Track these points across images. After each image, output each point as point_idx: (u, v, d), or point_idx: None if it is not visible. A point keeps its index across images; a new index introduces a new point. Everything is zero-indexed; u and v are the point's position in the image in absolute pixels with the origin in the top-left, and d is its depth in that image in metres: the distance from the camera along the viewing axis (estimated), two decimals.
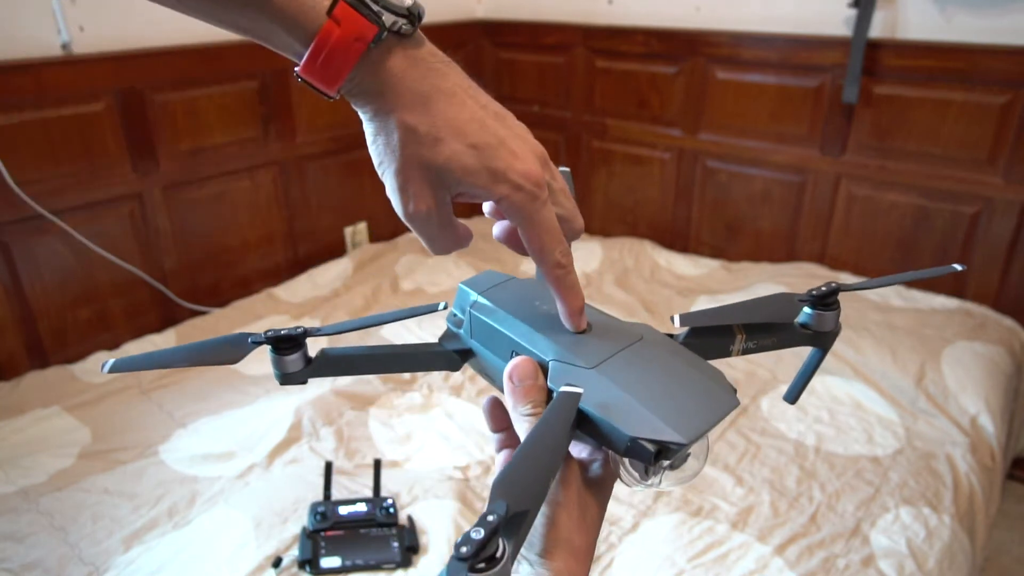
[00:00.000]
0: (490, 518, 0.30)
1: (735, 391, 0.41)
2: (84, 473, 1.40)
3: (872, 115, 1.97)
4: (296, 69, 0.38)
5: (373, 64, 0.38)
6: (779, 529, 1.26)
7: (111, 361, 0.41)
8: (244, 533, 1.23)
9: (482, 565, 0.29)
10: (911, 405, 1.60)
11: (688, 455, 0.40)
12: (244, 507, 1.28)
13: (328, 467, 1.38)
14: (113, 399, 1.63)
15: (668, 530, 1.25)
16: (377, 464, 1.39)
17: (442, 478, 1.37)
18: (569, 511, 0.38)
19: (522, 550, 0.37)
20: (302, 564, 1.17)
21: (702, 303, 2.06)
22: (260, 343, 0.42)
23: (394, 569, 1.18)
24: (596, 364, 0.41)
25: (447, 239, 0.43)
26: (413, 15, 0.38)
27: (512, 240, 0.44)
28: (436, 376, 1.69)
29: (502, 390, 0.44)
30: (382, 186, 0.41)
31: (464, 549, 0.29)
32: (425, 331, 1.85)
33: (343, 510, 1.27)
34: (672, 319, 0.46)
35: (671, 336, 0.47)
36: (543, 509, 0.38)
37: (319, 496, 1.32)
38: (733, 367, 1.72)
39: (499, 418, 0.47)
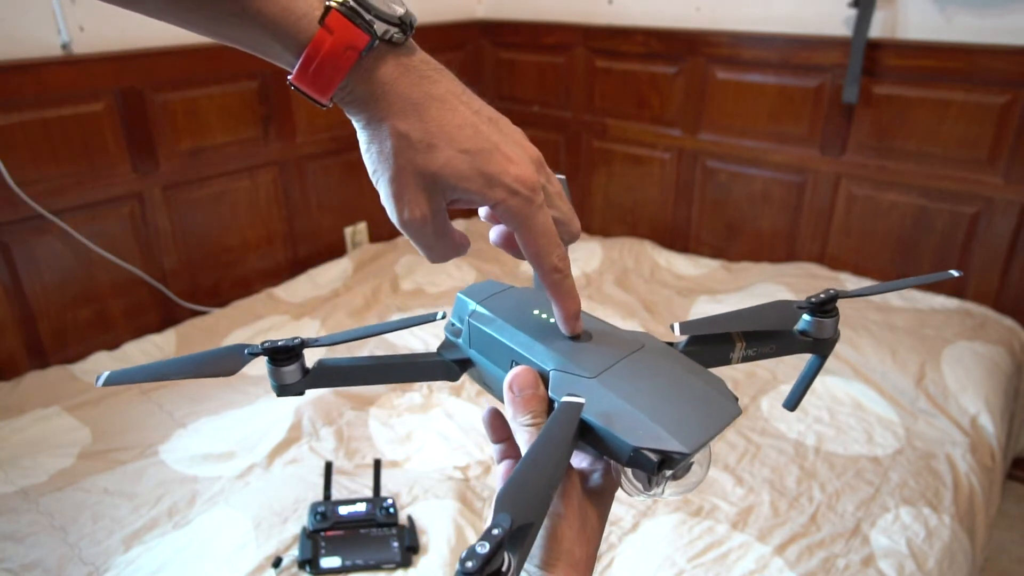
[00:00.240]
0: (495, 532, 0.30)
1: (736, 399, 0.41)
2: (84, 473, 1.40)
3: (872, 115, 1.97)
4: (289, 77, 0.38)
5: (365, 72, 0.38)
6: (779, 529, 1.26)
7: (106, 374, 0.41)
8: (244, 533, 1.23)
9: None
10: (911, 405, 1.60)
11: (691, 464, 0.40)
12: (244, 507, 1.28)
13: (328, 467, 1.38)
14: (113, 399, 1.63)
15: (668, 530, 1.25)
16: (377, 464, 1.39)
17: (442, 478, 1.37)
18: (570, 522, 0.38)
19: None
20: (302, 564, 1.17)
21: (702, 303, 2.06)
22: (256, 354, 0.41)
23: (394, 569, 1.18)
24: (597, 374, 0.41)
25: (444, 247, 0.42)
26: (405, 24, 0.38)
27: (509, 244, 0.44)
28: None
29: (502, 400, 0.44)
30: None
31: (470, 564, 0.29)
32: (425, 330, 1.85)
33: (343, 510, 1.27)
34: (672, 327, 0.45)
35: (671, 344, 0.46)
36: (545, 522, 0.38)
37: (319, 496, 1.32)
38: (733, 367, 1.72)
39: (499, 429, 0.46)
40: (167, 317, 1.99)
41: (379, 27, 0.37)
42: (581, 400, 0.39)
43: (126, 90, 1.79)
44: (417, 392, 1.65)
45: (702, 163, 2.32)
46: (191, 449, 1.46)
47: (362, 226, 2.47)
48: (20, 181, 1.62)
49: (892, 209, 2.01)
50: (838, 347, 1.72)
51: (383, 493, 1.34)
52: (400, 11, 0.38)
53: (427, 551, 1.21)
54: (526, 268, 2.32)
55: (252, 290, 2.14)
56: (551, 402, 0.41)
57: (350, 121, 0.40)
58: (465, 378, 0.49)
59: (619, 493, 0.44)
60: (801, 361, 0.50)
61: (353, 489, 1.35)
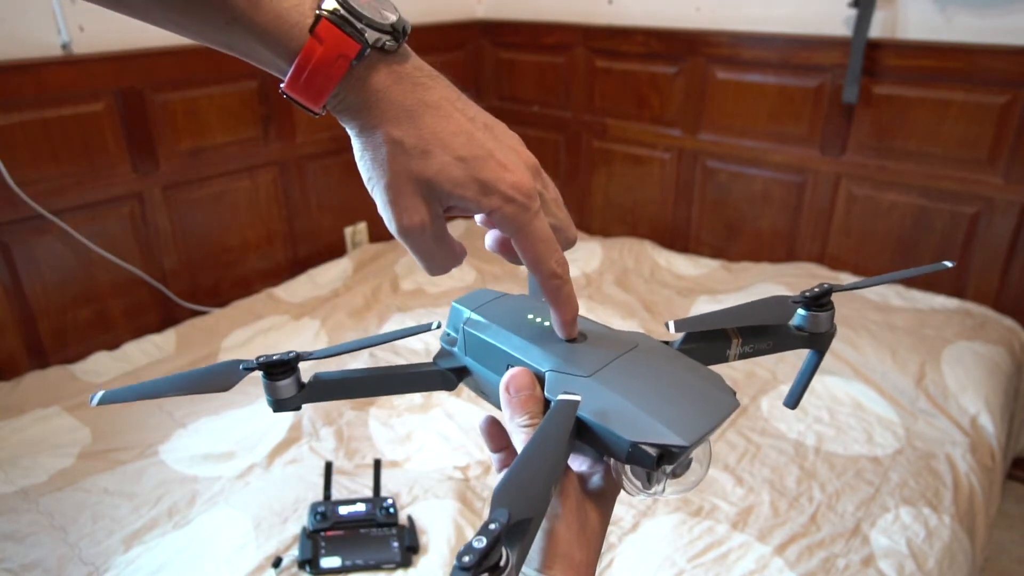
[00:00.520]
0: (492, 526, 0.30)
1: (734, 393, 0.41)
2: (84, 473, 1.40)
3: (872, 115, 1.97)
4: (281, 86, 0.38)
5: (357, 81, 0.37)
6: (779, 529, 1.26)
7: (100, 393, 0.40)
8: (244, 533, 1.23)
9: (486, 574, 0.29)
10: (911, 405, 1.60)
11: (691, 461, 0.40)
12: (244, 507, 1.28)
13: (328, 467, 1.38)
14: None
15: (668, 530, 1.25)
16: (377, 464, 1.39)
17: (442, 478, 1.37)
18: (568, 524, 0.38)
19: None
20: (302, 564, 1.17)
21: (702, 303, 2.06)
22: (252, 369, 0.41)
23: (394, 569, 1.18)
24: (593, 372, 0.41)
25: (444, 254, 0.42)
26: (397, 31, 0.38)
27: (505, 250, 0.44)
28: None
29: (499, 407, 0.43)
30: None
31: (467, 559, 0.28)
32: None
33: (343, 510, 1.27)
34: (667, 325, 0.45)
35: (667, 343, 0.46)
36: (542, 523, 0.37)
37: (319, 496, 1.32)
38: (733, 367, 1.72)
39: (497, 437, 0.46)
40: (167, 317, 1.99)
41: (370, 35, 0.37)
42: (577, 397, 0.39)
43: (126, 90, 1.79)
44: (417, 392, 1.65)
45: (702, 163, 2.32)
46: (191, 449, 1.46)
47: (362, 226, 2.47)
48: (20, 181, 1.62)
49: (892, 209, 2.01)
50: (838, 347, 1.73)
51: (383, 493, 1.34)
52: (392, 18, 0.38)
53: (427, 551, 1.21)
54: (525, 269, 2.32)
55: (252, 290, 2.14)
56: (547, 403, 0.41)
57: None
58: None
59: (619, 494, 0.43)
60: (801, 360, 0.50)
61: (353, 489, 1.35)
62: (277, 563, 1.17)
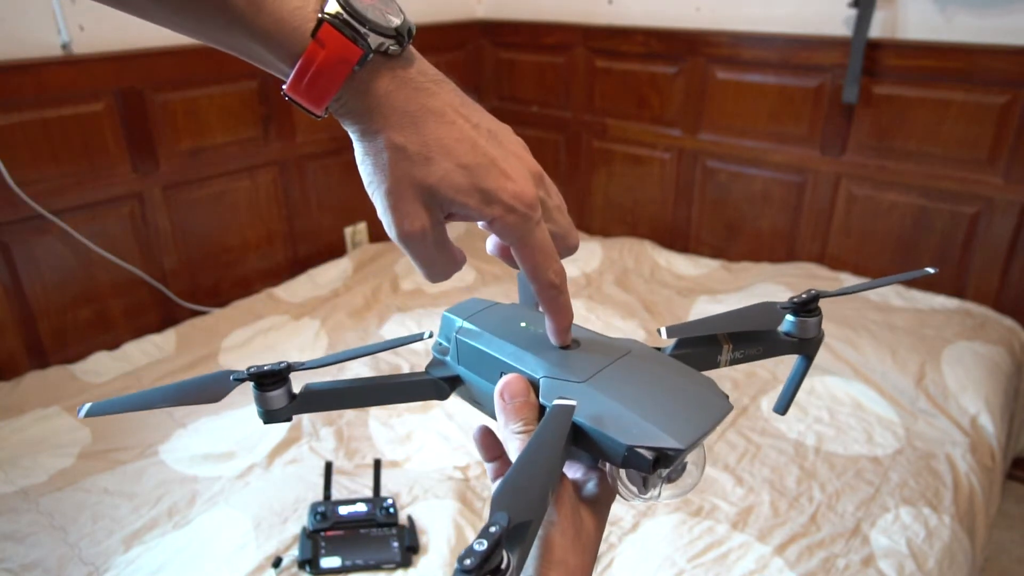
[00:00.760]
0: (492, 529, 0.30)
1: (727, 396, 0.41)
2: (84, 473, 1.40)
3: (872, 115, 1.97)
4: (283, 88, 0.37)
5: (359, 85, 0.37)
6: (779, 529, 1.26)
7: (87, 406, 0.40)
8: (244, 533, 1.23)
9: None
10: (911, 405, 1.60)
11: (686, 465, 0.40)
12: (244, 507, 1.28)
13: (328, 467, 1.38)
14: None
15: (668, 530, 1.25)
16: (377, 464, 1.39)
17: (442, 478, 1.37)
18: (563, 530, 0.38)
19: None
20: (302, 564, 1.17)
21: (702, 303, 2.06)
22: (243, 380, 0.41)
23: (394, 569, 1.18)
24: (587, 378, 0.41)
25: (444, 261, 0.42)
26: (402, 34, 0.37)
27: (506, 255, 0.44)
28: None
29: (493, 417, 0.43)
30: None
31: (468, 561, 0.28)
32: (424, 329, 1.85)
33: (343, 510, 1.27)
34: (659, 331, 0.46)
35: (659, 349, 0.47)
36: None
37: (319, 496, 1.32)
38: (733, 368, 1.72)
39: (491, 447, 0.46)
40: (167, 317, 1.99)
41: (373, 40, 0.36)
42: (572, 402, 0.38)
43: (126, 90, 1.79)
44: None
45: (702, 163, 2.32)
46: (191, 449, 1.47)
47: (362, 226, 2.47)
48: (20, 181, 1.62)
49: (892, 209, 2.01)
50: (838, 347, 1.73)
51: (383, 493, 1.34)
52: (396, 22, 0.37)
53: (427, 551, 1.21)
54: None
55: (252, 290, 2.14)
56: (542, 409, 0.41)
57: None
58: None
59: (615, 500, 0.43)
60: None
61: (353, 489, 1.35)
62: (277, 563, 1.17)
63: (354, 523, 1.25)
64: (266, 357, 1.79)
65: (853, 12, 1.89)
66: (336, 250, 2.40)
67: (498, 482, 0.36)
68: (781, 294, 1.98)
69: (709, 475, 1.39)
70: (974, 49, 1.79)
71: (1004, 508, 1.85)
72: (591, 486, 0.42)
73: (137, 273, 1.90)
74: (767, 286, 2.05)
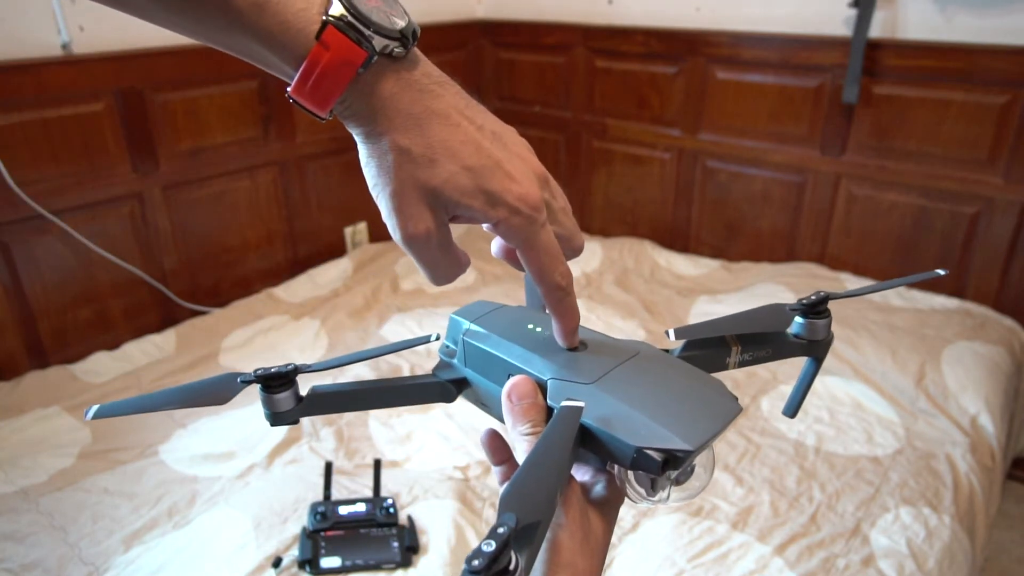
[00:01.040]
0: (500, 530, 0.30)
1: (736, 399, 0.41)
2: (84, 473, 1.40)
3: (872, 115, 1.97)
4: (288, 90, 0.37)
5: (364, 87, 0.37)
6: (779, 529, 1.26)
7: (95, 408, 0.40)
8: (244, 533, 1.23)
9: None
10: (911, 405, 1.60)
11: (694, 468, 0.40)
12: (244, 507, 1.28)
13: (328, 467, 1.37)
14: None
15: (668, 530, 1.25)
16: (377, 464, 1.39)
17: (442, 478, 1.37)
18: (571, 533, 0.37)
19: None
20: (302, 564, 1.17)
21: (702, 303, 2.06)
22: (249, 382, 0.41)
23: (394, 569, 1.18)
24: (595, 380, 0.41)
25: (448, 263, 0.42)
26: (406, 36, 0.37)
27: (511, 258, 0.44)
28: None
29: (500, 419, 0.43)
30: None
31: (476, 562, 0.28)
32: (424, 329, 1.85)
33: (343, 510, 1.27)
34: (667, 333, 0.46)
35: (667, 351, 0.47)
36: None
37: (319, 496, 1.32)
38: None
39: (499, 450, 0.46)
40: (167, 317, 1.99)
41: (378, 42, 0.36)
42: (580, 403, 0.38)
43: (126, 90, 1.79)
44: None
45: (702, 163, 2.32)
46: (191, 449, 1.46)
47: (362, 226, 2.47)
48: (20, 181, 1.62)
49: (892, 209, 2.01)
50: (838, 347, 1.73)
51: (383, 493, 1.34)
52: (401, 24, 0.37)
53: (427, 551, 1.21)
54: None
55: (252, 290, 2.14)
56: (550, 411, 0.41)
57: None
58: None
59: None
60: (800, 360, 0.50)
61: (353, 489, 1.35)
62: (277, 563, 1.17)
63: (354, 523, 1.25)
64: (266, 357, 1.79)
65: (853, 12, 1.89)
66: (336, 250, 2.40)
67: (506, 484, 0.36)
68: (781, 294, 1.98)
69: None
70: (974, 49, 1.79)
71: (1004, 508, 1.85)
72: (599, 488, 0.42)
73: (137, 273, 1.90)
74: (767, 286, 2.05)
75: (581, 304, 2.04)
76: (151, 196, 1.89)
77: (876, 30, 1.89)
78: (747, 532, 1.26)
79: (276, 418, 0.42)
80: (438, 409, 1.58)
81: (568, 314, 0.43)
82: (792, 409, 0.50)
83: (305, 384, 0.43)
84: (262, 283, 2.19)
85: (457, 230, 2.55)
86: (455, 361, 0.48)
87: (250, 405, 1.58)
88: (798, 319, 0.47)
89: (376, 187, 0.39)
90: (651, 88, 2.35)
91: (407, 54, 0.38)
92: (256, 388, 0.42)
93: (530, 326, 0.46)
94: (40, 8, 1.65)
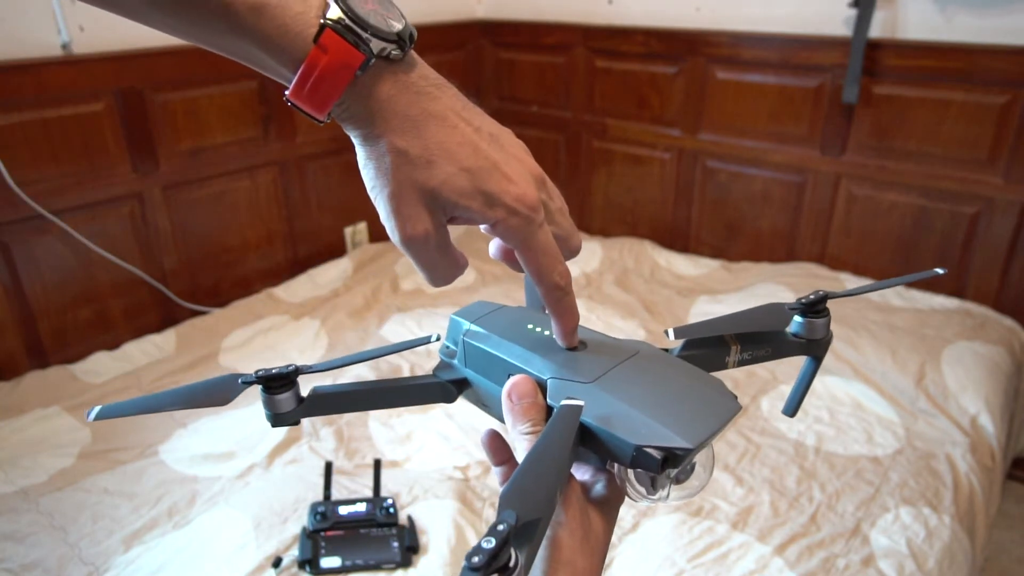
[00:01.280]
0: (500, 527, 0.30)
1: (736, 397, 0.41)
2: (84, 473, 1.40)
3: (872, 115, 1.97)
4: (286, 93, 0.37)
5: (362, 90, 0.37)
6: (779, 529, 1.26)
7: (97, 408, 0.40)
8: (244, 533, 1.23)
9: (495, 575, 0.29)
10: (911, 405, 1.60)
11: (694, 466, 0.40)
12: (244, 507, 1.28)
13: (328, 467, 1.38)
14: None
15: (668, 530, 1.25)
16: (377, 464, 1.39)
17: (442, 478, 1.37)
18: (571, 531, 0.38)
19: None
20: (302, 564, 1.17)
21: (702, 303, 2.06)
22: (251, 383, 0.41)
23: (394, 569, 1.18)
24: (595, 379, 0.41)
25: (447, 264, 0.42)
26: (403, 39, 0.38)
27: (509, 258, 0.44)
28: None
29: (500, 419, 0.43)
30: None
31: (476, 559, 0.28)
32: (424, 329, 1.85)
33: (343, 510, 1.27)
34: (666, 333, 0.46)
35: (666, 351, 0.47)
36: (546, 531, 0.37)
37: (319, 496, 1.32)
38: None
39: (499, 450, 0.46)
40: (167, 317, 1.99)
41: (375, 45, 0.36)
42: (580, 402, 0.38)
43: (126, 90, 1.79)
44: None
45: (702, 163, 2.32)
46: (191, 449, 1.47)
47: (362, 226, 2.47)
48: (20, 181, 1.62)
49: (892, 209, 2.01)
50: (838, 347, 1.73)
51: (383, 493, 1.34)
52: (398, 26, 0.37)
53: (427, 551, 1.21)
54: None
55: (252, 290, 2.14)
56: (550, 410, 0.41)
57: None
58: None
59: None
60: (800, 360, 0.50)
61: (353, 489, 1.35)
62: (277, 563, 1.17)
63: (354, 523, 1.25)
64: (266, 357, 1.79)
65: (853, 12, 1.89)
66: (336, 250, 2.40)
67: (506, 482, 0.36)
68: (781, 294, 1.98)
69: None
70: (974, 49, 1.79)
71: (1004, 508, 1.85)
72: (599, 487, 0.42)
73: (137, 273, 1.90)
74: (767, 286, 2.05)
75: (581, 304, 2.04)
76: (151, 196, 1.89)
77: (876, 30, 1.89)
78: (747, 532, 1.26)
79: (277, 419, 0.42)
80: (438, 409, 1.58)
81: (567, 314, 0.43)
82: (792, 408, 0.50)
83: (306, 385, 0.43)
84: (262, 283, 2.19)
85: (456, 231, 2.55)
86: (455, 361, 0.48)
87: (250, 405, 1.58)
88: (797, 318, 0.47)
89: (374, 189, 0.39)
90: (651, 88, 2.35)
91: (404, 57, 0.38)
92: (257, 389, 0.42)
93: (530, 326, 0.47)
94: (40, 8, 1.65)
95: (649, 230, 2.51)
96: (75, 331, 1.83)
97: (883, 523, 1.28)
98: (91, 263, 1.81)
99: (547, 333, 0.45)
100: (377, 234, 2.51)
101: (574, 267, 2.26)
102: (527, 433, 0.40)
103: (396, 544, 1.21)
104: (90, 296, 1.84)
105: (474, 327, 0.47)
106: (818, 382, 1.66)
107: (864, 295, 1.99)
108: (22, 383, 1.67)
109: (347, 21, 0.36)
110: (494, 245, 0.45)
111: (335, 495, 1.33)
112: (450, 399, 0.48)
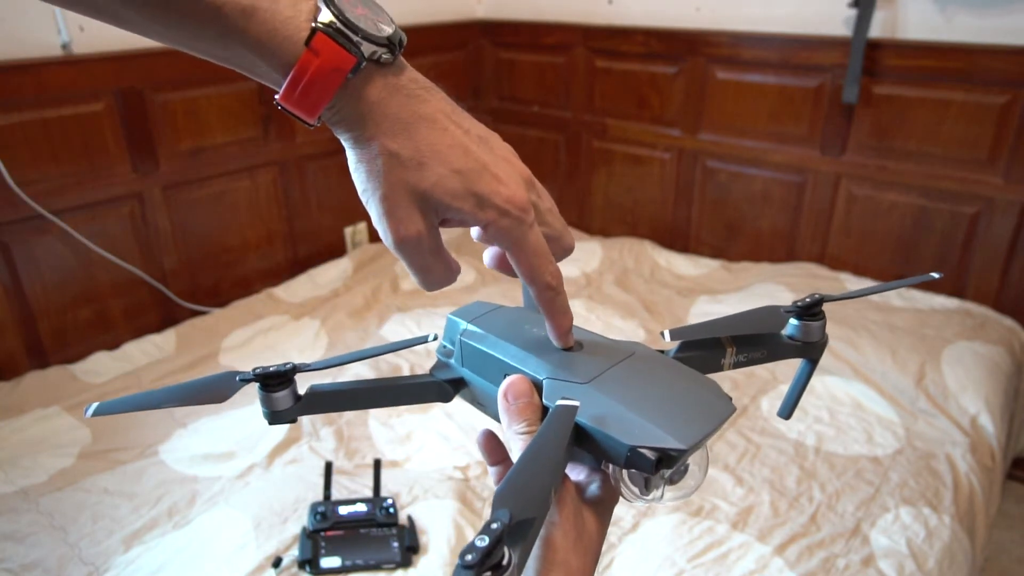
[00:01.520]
0: (494, 526, 0.30)
1: (731, 399, 0.41)
2: (84, 473, 1.40)
3: (872, 115, 1.97)
4: (276, 97, 0.38)
5: (353, 93, 0.37)
6: (779, 529, 1.26)
7: (94, 405, 0.40)
8: (244, 533, 1.23)
9: (488, 574, 0.29)
10: (911, 405, 1.60)
11: (688, 468, 0.40)
12: (244, 507, 1.28)
13: (328, 467, 1.38)
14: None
15: (668, 530, 1.25)
16: (377, 464, 1.39)
17: (442, 478, 1.37)
18: (565, 531, 0.38)
19: None
20: (302, 564, 1.17)
21: (702, 303, 2.06)
22: (248, 381, 0.41)
23: (394, 569, 1.18)
24: (590, 379, 0.41)
25: (440, 267, 0.42)
26: (393, 43, 0.38)
27: (503, 266, 0.44)
28: None
29: (496, 419, 0.43)
30: None
31: (470, 557, 0.28)
32: (423, 329, 1.85)
33: (343, 510, 1.27)
34: (662, 334, 0.46)
35: (662, 352, 0.47)
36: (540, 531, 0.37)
37: (319, 496, 1.32)
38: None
39: (494, 451, 0.46)
40: (167, 317, 1.99)
41: (366, 48, 0.37)
42: (576, 403, 0.39)
43: (126, 90, 1.79)
44: None
45: (702, 163, 2.32)
46: (191, 449, 1.47)
47: (362, 226, 2.47)
48: (20, 181, 1.62)
49: (892, 209, 2.01)
50: (838, 347, 1.73)
51: (383, 493, 1.34)
52: (388, 31, 0.38)
53: (427, 551, 1.21)
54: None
55: (252, 290, 2.14)
56: (545, 410, 0.41)
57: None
58: None
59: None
60: (797, 362, 0.51)
61: (353, 489, 1.35)
62: (277, 563, 1.17)
63: (354, 523, 1.25)
64: (266, 357, 1.79)
65: (853, 12, 1.89)
66: (336, 250, 2.40)
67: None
68: (781, 294, 1.98)
69: (709, 475, 1.39)
70: (974, 49, 1.79)
71: (1004, 508, 1.85)
72: (594, 488, 0.42)
73: (137, 273, 1.90)
74: (767, 286, 2.05)
75: (581, 304, 2.04)
76: (151, 196, 1.89)
77: (876, 30, 1.89)
78: (747, 532, 1.26)
79: (274, 416, 0.42)
80: (438, 409, 1.59)
81: (560, 314, 0.43)
82: (787, 410, 0.50)
83: (304, 384, 0.43)
84: (262, 283, 2.19)
85: (452, 232, 2.55)
86: (452, 361, 0.48)
87: (250, 405, 1.58)
88: (793, 321, 0.47)
89: (366, 192, 0.39)
90: (651, 88, 2.35)
91: (394, 60, 0.38)
92: (257, 387, 0.42)
93: (527, 327, 0.47)
94: (40, 8, 1.65)
95: (649, 230, 2.51)
96: (75, 331, 1.83)
97: (883, 523, 1.28)
98: (91, 263, 1.81)
99: (543, 334, 0.45)
100: (377, 235, 2.51)
101: (574, 267, 2.26)
102: (522, 433, 0.40)
103: (396, 544, 1.21)
104: (90, 296, 1.84)
105: (471, 327, 0.47)
106: (818, 382, 1.66)
107: (860, 297, 1.99)
108: (22, 383, 1.67)
109: (338, 25, 0.36)
110: (489, 254, 0.45)
111: (335, 495, 1.33)
112: (447, 399, 0.48)
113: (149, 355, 1.82)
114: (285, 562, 1.18)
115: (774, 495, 1.34)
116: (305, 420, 1.53)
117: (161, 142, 1.88)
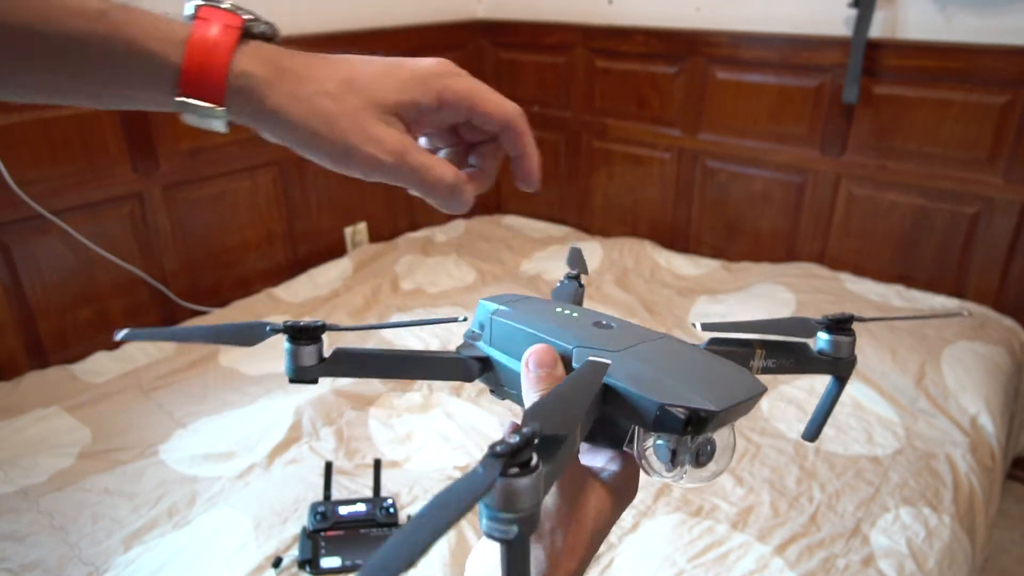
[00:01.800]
0: (525, 430, 0.29)
1: (761, 382, 0.40)
2: (84, 473, 1.40)
3: (872, 115, 1.97)
4: (176, 98, 0.38)
5: (253, 50, 0.38)
6: (779, 529, 1.26)
7: (125, 331, 0.41)
8: (244, 533, 1.23)
9: (516, 470, 0.28)
10: (911, 405, 1.60)
11: (714, 448, 0.39)
12: (244, 507, 1.28)
13: (328, 467, 1.38)
14: (113, 399, 1.63)
15: (668, 530, 1.25)
16: (377, 464, 1.39)
17: (442, 478, 1.37)
18: (558, 506, 0.37)
19: None
20: (302, 564, 1.17)
21: (702, 303, 2.06)
22: (278, 331, 0.41)
23: None
24: (622, 349, 0.40)
25: (448, 170, 0.42)
26: (272, 26, 0.40)
27: (458, 143, 0.45)
28: None
29: (519, 403, 0.42)
30: (382, 187, 0.41)
31: (500, 447, 0.28)
32: (423, 329, 1.85)
33: (343, 510, 1.27)
34: (693, 325, 0.46)
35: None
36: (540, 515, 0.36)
37: (319, 496, 1.32)
38: None
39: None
40: (167, 317, 1.99)
41: (244, 13, 0.38)
42: (607, 360, 0.38)
43: None
44: (417, 392, 1.65)
45: (702, 163, 2.32)
46: (191, 449, 1.46)
47: (362, 226, 2.47)
48: (20, 181, 1.62)
49: (892, 209, 2.01)
50: None
51: (383, 493, 1.34)
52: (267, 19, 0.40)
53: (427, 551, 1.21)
54: (526, 268, 2.32)
55: (252, 290, 2.14)
56: None
57: None
58: None
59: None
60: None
61: (353, 489, 1.35)
62: (277, 563, 1.17)
63: (354, 523, 1.25)
64: (266, 357, 1.79)
65: (853, 12, 1.89)
66: (336, 250, 2.40)
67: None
68: (781, 294, 1.98)
69: None
70: (974, 49, 1.79)
71: (1004, 508, 1.85)
72: (608, 474, 0.41)
73: (137, 273, 1.90)
74: (767, 286, 2.05)
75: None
76: (151, 196, 1.89)
77: (876, 30, 1.89)
78: (747, 532, 1.26)
79: (298, 373, 0.42)
80: (438, 409, 1.59)
81: (532, 143, 0.44)
82: (812, 433, 0.49)
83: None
84: (262, 283, 2.19)
85: (455, 231, 2.55)
86: (479, 343, 0.48)
87: (250, 405, 1.59)
88: (823, 335, 0.47)
89: (333, 142, 0.39)
90: (651, 88, 2.35)
91: (275, 39, 0.40)
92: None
93: (558, 309, 0.47)
94: None
95: (649, 230, 2.51)
96: (75, 331, 1.83)
97: (883, 523, 1.28)
98: (91, 263, 1.81)
99: (576, 315, 0.45)
100: (377, 234, 2.51)
101: None
102: None
103: None
104: (90, 296, 1.84)
105: (503, 307, 0.47)
106: (818, 381, 1.66)
107: (865, 295, 1.99)
108: (22, 383, 1.67)
109: (213, 1, 0.38)
110: (442, 157, 0.45)
111: (335, 495, 1.33)
112: (470, 377, 0.47)
113: (149, 355, 1.82)
114: (285, 562, 1.18)
115: (774, 495, 1.34)
116: (305, 420, 1.52)
117: (161, 142, 1.88)
